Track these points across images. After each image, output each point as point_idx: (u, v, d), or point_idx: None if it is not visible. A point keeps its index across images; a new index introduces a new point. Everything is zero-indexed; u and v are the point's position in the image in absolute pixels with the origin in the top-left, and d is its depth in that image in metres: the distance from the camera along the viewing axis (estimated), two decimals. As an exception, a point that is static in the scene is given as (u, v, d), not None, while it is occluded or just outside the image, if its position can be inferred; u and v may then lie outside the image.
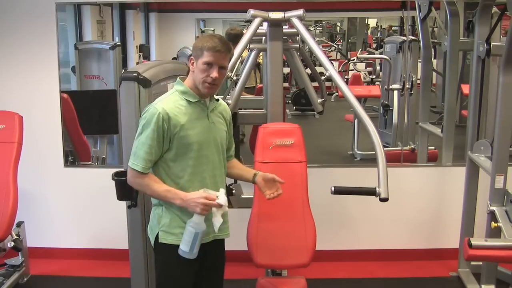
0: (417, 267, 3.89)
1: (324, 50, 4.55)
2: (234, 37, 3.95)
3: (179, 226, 2.22)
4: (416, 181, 3.96)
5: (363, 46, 7.16)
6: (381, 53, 5.99)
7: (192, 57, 2.21)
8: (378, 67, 5.98)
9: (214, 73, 2.15)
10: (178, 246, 2.19)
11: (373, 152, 2.74)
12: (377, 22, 7.37)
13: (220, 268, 2.47)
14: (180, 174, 2.21)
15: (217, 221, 2.19)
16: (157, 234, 2.25)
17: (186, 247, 2.15)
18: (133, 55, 5.16)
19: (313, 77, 3.61)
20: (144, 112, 2.20)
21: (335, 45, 7.18)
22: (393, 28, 6.74)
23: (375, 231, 3.97)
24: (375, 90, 5.57)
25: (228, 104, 3.13)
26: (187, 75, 2.35)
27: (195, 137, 2.19)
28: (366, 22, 7.27)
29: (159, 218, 2.25)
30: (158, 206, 2.27)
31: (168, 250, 2.24)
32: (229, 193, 2.42)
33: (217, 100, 2.37)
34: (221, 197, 2.16)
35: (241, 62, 3.49)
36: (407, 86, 4.66)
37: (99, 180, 3.71)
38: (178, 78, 2.31)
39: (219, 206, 2.14)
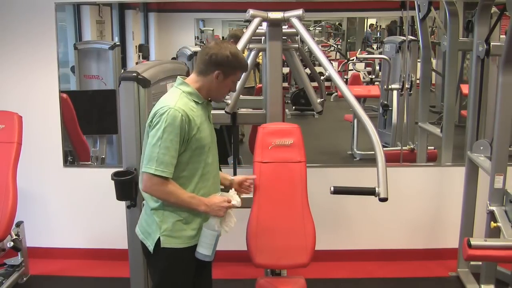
0: (416, 267, 3.89)
1: (323, 50, 4.56)
2: (236, 39, 3.97)
3: (181, 229, 2.21)
4: (415, 181, 3.96)
5: (363, 46, 7.17)
6: (380, 53, 6.00)
7: (219, 70, 2.14)
8: (377, 67, 5.98)
9: (235, 88, 2.26)
10: (180, 249, 2.21)
11: (373, 152, 2.74)
12: (376, 22, 7.38)
13: (209, 264, 2.48)
14: (190, 176, 2.19)
15: (232, 221, 2.29)
16: (158, 239, 2.21)
17: (208, 251, 2.20)
18: (133, 55, 5.17)
19: (312, 77, 3.61)
20: (162, 114, 2.08)
21: (334, 45, 7.19)
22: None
23: (375, 231, 3.97)
24: (374, 90, 5.58)
25: (227, 104, 3.16)
26: (186, 75, 2.34)
27: (206, 139, 2.19)
28: (366, 22, 7.30)
29: (160, 223, 2.20)
30: (157, 211, 2.21)
31: (172, 254, 2.22)
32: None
33: (210, 100, 2.36)
34: (235, 198, 2.25)
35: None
36: (406, 86, 4.67)
37: (98, 180, 3.71)
38: (179, 78, 2.24)
39: (235, 207, 2.24)
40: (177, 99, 2.13)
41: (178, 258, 2.24)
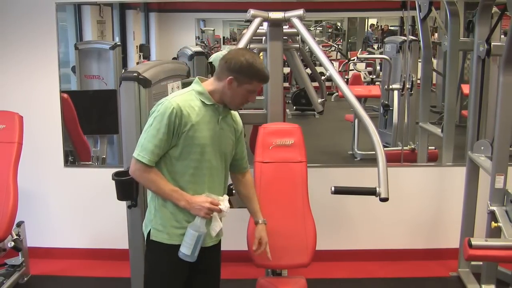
0: (417, 267, 3.89)
1: (324, 50, 4.56)
2: None
3: (171, 226, 2.20)
4: (416, 181, 3.96)
5: (363, 46, 7.18)
6: (381, 53, 6.00)
7: (233, 76, 2.11)
8: (378, 67, 5.99)
9: (253, 99, 2.17)
10: (168, 245, 2.19)
11: (373, 152, 2.75)
12: (377, 22, 7.39)
13: (216, 270, 2.44)
14: (181, 173, 2.18)
15: (217, 225, 2.22)
16: (149, 230, 2.24)
17: (188, 250, 2.15)
18: (133, 55, 5.17)
19: (313, 77, 3.61)
20: (158, 104, 2.14)
21: (335, 45, 7.20)
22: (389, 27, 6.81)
23: (375, 231, 3.97)
24: (375, 90, 5.58)
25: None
26: (187, 75, 2.34)
27: (201, 140, 2.16)
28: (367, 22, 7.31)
29: (151, 215, 2.23)
30: (151, 202, 2.25)
31: (159, 248, 2.22)
32: (229, 193, 2.43)
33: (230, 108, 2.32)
34: (225, 203, 2.18)
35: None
36: (407, 86, 4.67)
37: (99, 180, 3.71)
38: (197, 77, 2.25)
39: (221, 211, 2.17)
40: (180, 94, 2.19)
41: (165, 254, 2.22)
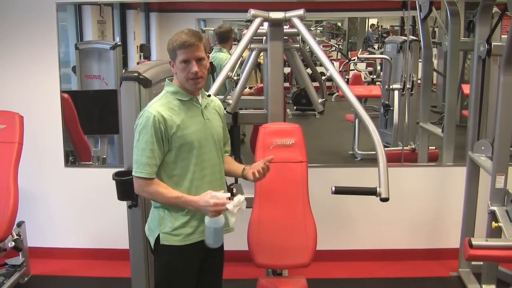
0: (418, 267, 3.89)
1: (324, 50, 4.55)
2: (223, 34, 4.02)
3: (181, 227, 2.21)
4: (416, 181, 3.96)
5: (364, 46, 7.17)
6: (381, 53, 5.99)
7: (170, 60, 2.22)
8: (378, 67, 5.98)
9: (194, 68, 2.14)
10: (181, 246, 2.21)
11: (374, 152, 2.74)
12: (377, 22, 7.38)
13: (220, 268, 2.47)
14: (182, 175, 2.20)
15: (232, 221, 2.19)
16: (158, 235, 2.23)
17: (213, 242, 2.19)
18: (134, 55, 5.16)
19: (313, 77, 3.61)
20: (139, 118, 2.17)
21: (335, 45, 7.19)
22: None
23: (376, 231, 3.97)
24: (375, 90, 5.57)
25: (228, 104, 3.16)
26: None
27: (193, 136, 2.18)
28: (367, 22, 7.30)
29: (161, 220, 2.23)
30: (160, 208, 2.24)
31: (170, 252, 2.23)
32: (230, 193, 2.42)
33: (209, 95, 2.36)
34: (230, 206, 2.10)
35: (242, 62, 3.49)
36: (407, 86, 4.66)
37: (99, 180, 3.71)
38: (167, 79, 2.30)
39: (227, 210, 2.11)
40: (157, 101, 2.21)
41: (177, 255, 2.24)
